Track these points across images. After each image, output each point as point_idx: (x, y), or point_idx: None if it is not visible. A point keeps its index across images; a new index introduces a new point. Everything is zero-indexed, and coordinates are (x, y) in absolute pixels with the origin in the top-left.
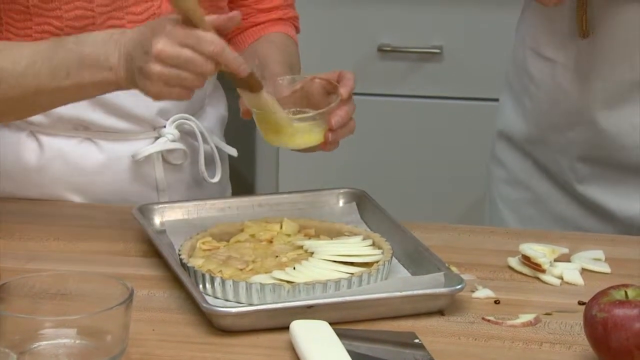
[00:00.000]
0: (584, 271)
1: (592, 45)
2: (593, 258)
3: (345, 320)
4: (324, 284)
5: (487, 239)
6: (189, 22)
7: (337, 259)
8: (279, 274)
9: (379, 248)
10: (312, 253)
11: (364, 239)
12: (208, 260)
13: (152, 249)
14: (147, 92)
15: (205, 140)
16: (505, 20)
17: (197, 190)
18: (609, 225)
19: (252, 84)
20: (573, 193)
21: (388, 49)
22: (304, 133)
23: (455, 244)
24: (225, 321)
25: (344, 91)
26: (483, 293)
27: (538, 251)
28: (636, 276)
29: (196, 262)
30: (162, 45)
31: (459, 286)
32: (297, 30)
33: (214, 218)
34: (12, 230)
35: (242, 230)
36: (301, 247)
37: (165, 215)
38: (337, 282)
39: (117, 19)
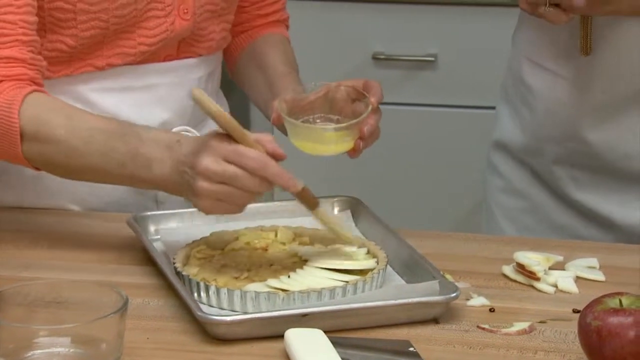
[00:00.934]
0: (578, 279)
1: (592, 59)
2: (587, 266)
3: (340, 329)
4: (319, 292)
5: (482, 247)
6: (233, 137)
7: (331, 267)
8: (273, 282)
9: (374, 256)
10: (307, 261)
11: (359, 247)
12: (203, 268)
13: (147, 258)
14: (198, 208)
15: None
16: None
17: None
18: (608, 233)
19: (307, 200)
20: (571, 202)
21: (382, 57)
22: (335, 141)
23: (450, 252)
24: (219, 329)
25: (374, 100)
26: (478, 301)
27: (532, 259)
28: (630, 284)
29: (191, 271)
30: (206, 162)
31: (454, 294)
32: (287, 28)
33: (209, 226)
34: (6, 238)
35: (236, 239)
36: (296, 255)
37: (160, 224)
38: (332, 290)
39: (128, 32)
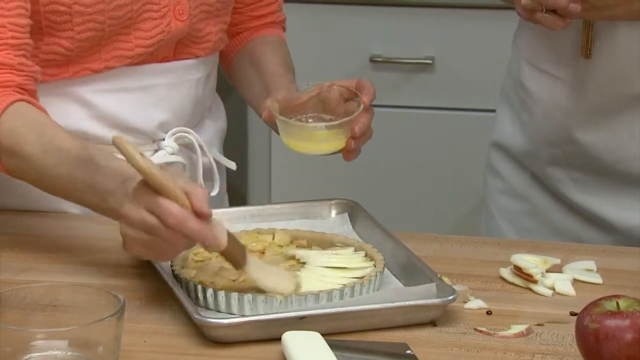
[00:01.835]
0: (575, 282)
1: (590, 63)
2: (585, 269)
3: (338, 331)
4: (316, 295)
5: (479, 250)
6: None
7: (329, 270)
8: None
9: (372, 259)
10: (305, 264)
11: (356, 249)
12: (200, 271)
13: (144, 260)
14: (126, 251)
15: (204, 154)
16: (497, 32)
17: None
18: (608, 236)
19: (232, 259)
20: (571, 204)
21: (380, 59)
22: (327, 140)
23: (447, 255)
24: (217, 332)
25: (366, 99)
26: (475, 304)
27: (530, 262)
28: (628, 287)
29: (188, 274)
30: (127, 209)
31: (451, 297)
32: (284, 30)
33: None
34: (3, 242)
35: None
36: (293, 258)
37: None
38: (330, 293)
39: (124, 34)
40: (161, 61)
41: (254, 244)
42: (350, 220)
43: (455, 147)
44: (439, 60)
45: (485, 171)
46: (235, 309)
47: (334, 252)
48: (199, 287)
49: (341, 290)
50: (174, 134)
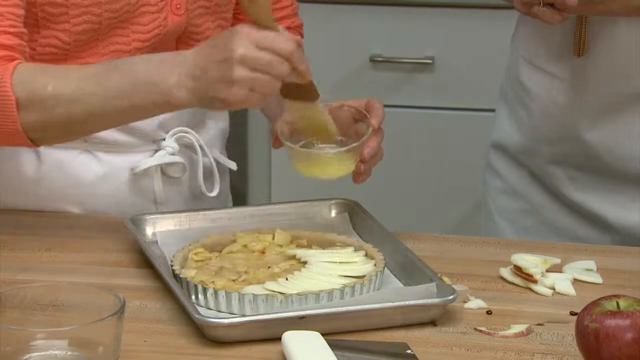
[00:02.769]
0: (575, 281)
1: (588, 60)
2: (585, 268)
3: (338, 331)
4: (317, 295)
5: (479, 250)
6: (259, 26)
7: (329, 270)
8: (271, 285)
9: (371, 259)
10: (305, 264)
11: (356, 249)
12: (200, 271)
13: (144, 260)
14: (230, 101)
15: (204, 154)
16: (497, 31)
17: (196, 203)
18: (606, 235)
19: (312, 91)
20: (569, 203)
21: (380, 59)
22: (336, 164)
23: (447, 255)
24: (217, 332)
25: (375, 122)
26: (475, 303)
27: (530, 262)
28: (628, 286)
29: (188, 273)
30: (243, 49)
31: (451, 297)
32: (302, 36)
33: (206, 229)
34: (3, 241)
35: (234, 241)
36: (293, 257)
37: (158, 226)
38: (330, 292)
39: (121, 28)
40: None
41: (254, 244)
42: (350, 220)
43: (455, 147)
44: (439, 60)
45: (484, 170)
46: (235, 309)
47: (334, 251)
48: (199, 286)
49: (341, 290)
50: (175, 134)
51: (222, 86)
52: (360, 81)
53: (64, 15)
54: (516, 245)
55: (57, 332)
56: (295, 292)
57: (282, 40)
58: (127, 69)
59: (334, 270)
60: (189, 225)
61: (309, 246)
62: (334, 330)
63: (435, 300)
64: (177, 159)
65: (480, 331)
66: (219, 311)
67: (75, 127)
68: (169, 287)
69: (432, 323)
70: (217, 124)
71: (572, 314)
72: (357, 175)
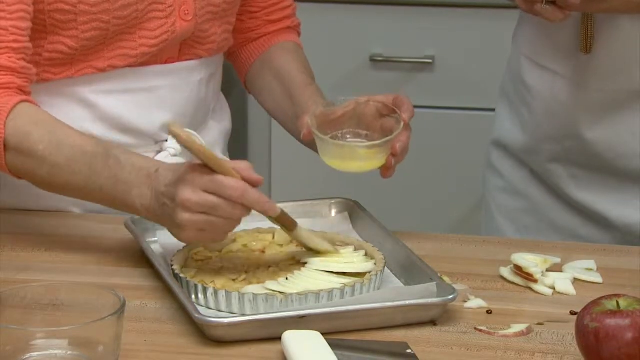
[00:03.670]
0: (576, 281)
1: (590, 58)
2: (585, 268)
3: (338, 331)
4: (317, 294)
5: (479, 249)
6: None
7: (329, 269)
8: (271, 284)
9: (372, 258)
10: (305, 263)
11: (356, 249)
12: (200, 270)
13: (145, 260)
14: (180, 239)
15: None
16: (497, 31)
17: None
18: (607, 233)
19: (284, 224)
20: (570, 201)
21: (380, 59)
22: (367, 159)
23: (448, 254)
24: (217, 332)
25: (406, 117)
26: (475, 303)
27: (530, 261)
28: (628, 286)
29: (189, 273)
30: (185, 193)
31: (451, 296)
32: (299, 35)
33: None
34: (3, 241)
35: (234, 241)
36: (293, 257)
37: (158, 226)
38: (330, 292)
39: (129, 34)
40: (166, 62)
41: (254, 244)
42: (351, 219)
43: (456, 146)
44: (439, 60)
45: (485, 169)
46: (235, 308)
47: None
48: (200, 286)
49: (341, 290)
50: None
51: (172, 225)
52: (360, 81)
53: (72, 22)
54: (516, 244)
55: (57, 332)
56: (295, 291)
57: (230, 184)
58: (112, 168)
59: (334, 270)
60: None
61: None
62: (334, 329)
63: (436, 300)
64: (179, 159)
65: (481, 331)
66: (219, 311)
67: (54, 189)
68: (169, 286)
69: (432, 322)
70: (220, 124)
71: (572, 313)
72: (386, 170)
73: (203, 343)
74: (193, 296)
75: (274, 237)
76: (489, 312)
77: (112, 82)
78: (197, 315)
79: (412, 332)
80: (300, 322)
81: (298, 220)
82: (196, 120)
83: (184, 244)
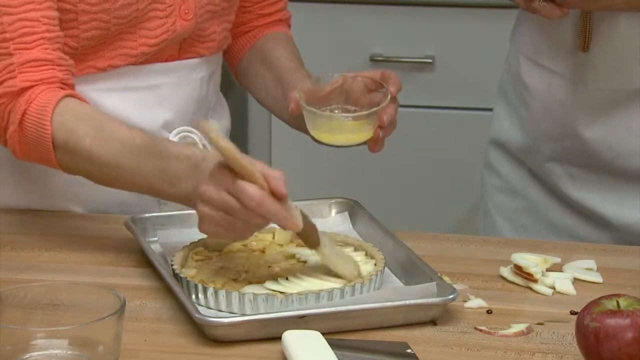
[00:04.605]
0: (576, 281)
1: (588, 56)
2: (585, 268)
3: (338, 330)
4: (317, 294)
5: (480, 249)
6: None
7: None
8: (271, 284)
9: (372, 258)
10: (305, 263)
11: (356, 248)
12: (200, 270)
13: (145, 260)
14: (199, 229)
15: None
16: (497, 30)
17: None
18: (605, 233)
19: (307, 240)
20: (568, 201)
21: (380, 58)
22: (355, 131)
23: (448, 254)
24: (217, 331)
25: (393, 89)
26: (475, 303)
27: (530, 261)
28: (628, 286)
29: (189, 273)
30: (206, 188)
31: (451, 296)
32: (289, 27)
33: None
34: (3, 240)
35: (234, 240)
36: (294, 257)
37: (158, 225)
38: (330, 292)
39: (129, 33)
40: (166, 60)
41: (254, 243)
42: (350, 219)
43: (456, 146)
44: (439, 59)
45: (483, 169)
46: (235, 308)
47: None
48: (200, 286)
49: (341, 290)
50: (178, 133)
51: (201, 216)
52: None
53: (73, 22)
54: (516, 244)
55: (57, 332)
56: (295, 291)
57: (249, 192)
58: (161, 158)
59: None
60: (190, 225)
61: None
62: (334, 329)
63: (436, 300)
64: None
65: (481, 330)
66: (219, 310)
67: (106, 183)
68: (169, 286)
69: (433, 322)
70: (220, 123)
71: (572, 313)
72: (374, 144)
73: (203, 343)
74: (193, 296)
75: (274, 237)
76: (489, 312)
77: (113, 81)
78: (197, 315)
79: (412, 332)
80: (300, 322)
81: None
82: (197, 119)
83: (184, 244)
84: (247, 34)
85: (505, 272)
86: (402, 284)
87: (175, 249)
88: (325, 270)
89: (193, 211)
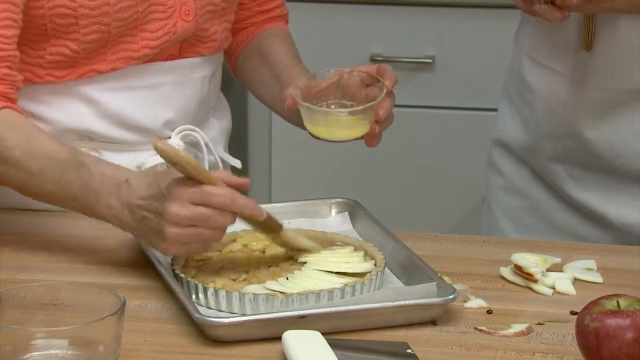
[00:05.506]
0: (576, 281)
1: (590, 57)
2: (585, 268)
3: (338, 330)
4: (317, 294)
5: (480, 249)
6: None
7: (329, 269)
8: (272, 284)
9: (372, 258)
10: (305, 263)
11: (357, 249)
12: (201, 270)
13: (145, 260)
14: (162, 252)
15: (209, 152)
16: (497, 30)
17: None
18: (607, 233)
19: (271, 227)
20: (570, 201)
21: (380, 58)
22: (352, 126)
23: (448, 254)
24: (217, 331)
25: (389, 84)
26: (475, 303)
27: (530, 261)
28: (628, 286)
29: (189, 273)
30: (174, 209)
31: (452, 296)
32: (287, 22)
33: None
34: (3, 240)
35: (234, 241)
36: (293, 257)
37: None
38: (330, 292)
39: (130, 36)
40: (167, 59)
41: (254, 243)
42: (351, 219)
43: (456, 146)
44: (440, 60)
45: (486, 168)
46: (236, 308)
47: (334, 251)
48: (200, 286)
49: (342, 290)
50: (180, 132)
51: (158, 239)
52: None
53: (74, 26)
54: (516, 244)
55: (57, 332)
56: (295, 291)
57: (219, 192)
58: (84, 177)
59: (334, 269)
60: None
61: None
62: (334, 329)
63: (436, 300)
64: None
65: (481, 330)
66: (220, 310)
67: (30, 195)
68: (169, 286)
69: (433, 322)
70: (221, 122)
71: (573, 313)
72: (371, 138)
73: (203, 343)
74: (193, 296)
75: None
76: (489, 312)
77: (115, 80)
78: (197, 315)
79: (412, 332)
80: (301, 322)
81: (298, 221)
82: (198, 117)
83: None
84: (244, 30)
85: (506, 272)
86: (402, 284)
87: None
88: (325, 270)
89: None
